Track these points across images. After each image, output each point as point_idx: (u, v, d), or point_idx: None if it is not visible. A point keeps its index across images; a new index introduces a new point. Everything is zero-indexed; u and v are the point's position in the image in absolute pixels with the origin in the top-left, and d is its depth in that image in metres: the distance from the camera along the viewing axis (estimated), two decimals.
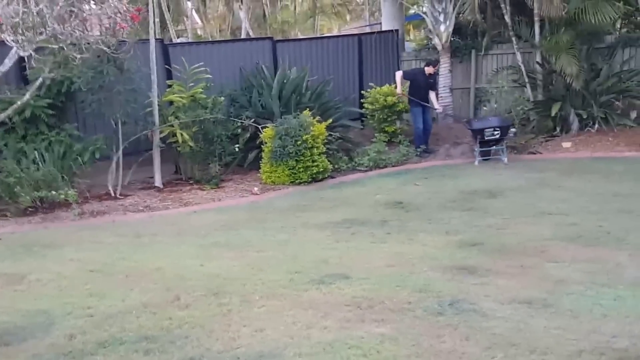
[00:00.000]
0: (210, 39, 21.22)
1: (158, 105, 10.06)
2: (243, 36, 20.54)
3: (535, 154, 11.36)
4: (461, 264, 5.71)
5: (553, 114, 11.95)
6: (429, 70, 11.97)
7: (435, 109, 12.18)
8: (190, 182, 10.38)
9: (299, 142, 9.72)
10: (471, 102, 14.27)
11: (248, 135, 10.71)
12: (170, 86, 10.63)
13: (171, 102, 10.37)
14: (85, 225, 8.03)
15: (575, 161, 10.59)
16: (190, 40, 20.81)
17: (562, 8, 11.52)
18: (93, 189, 9.59)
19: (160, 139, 10.16)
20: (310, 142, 9.84)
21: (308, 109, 10.39)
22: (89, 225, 8.03)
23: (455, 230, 6.93)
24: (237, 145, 10.50)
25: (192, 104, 10.24)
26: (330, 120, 10.53)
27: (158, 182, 10.09)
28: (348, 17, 25.74)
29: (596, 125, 12.07)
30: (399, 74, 11.96)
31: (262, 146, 10.41)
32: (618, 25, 13.43)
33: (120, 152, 9.71)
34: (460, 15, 12.89)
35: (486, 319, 4.46)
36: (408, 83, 11.85)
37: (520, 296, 4.86)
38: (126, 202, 9.16)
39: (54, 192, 8.49)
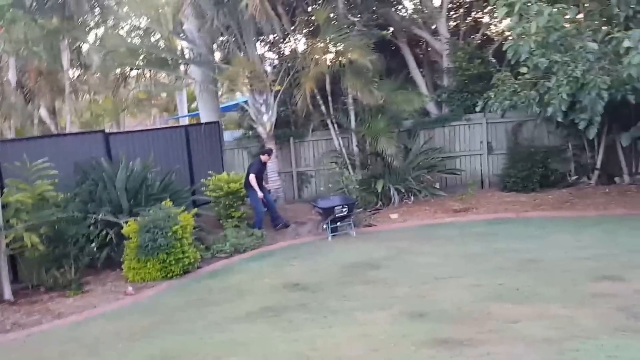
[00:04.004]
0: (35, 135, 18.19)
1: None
2: (37, 133, 18.14)
3: (371, 226, 11.65)
4: (436, 337, 5.39)
5: (379, 189, 12.52)
6: (264, 158, 11.93)
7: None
8: (42, 290, 8.56)
9: (169, 234, 8.73)
10: (294, 184, 14.43)
11: (104, 232, 9.27)
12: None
13: (4, 205, 8.57)
14: None
15: (412, 230, 10.87)
16: None
17: (380, 97, 12.38)
18: None
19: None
20: (180, 233, 8.90)
21: (169, 200, 9.45)
22: None
23: (383, 304, 6.61)
24: (94, 245, 9.02)
25: (38, 203, 8.62)
26: (195, 210, 9.68)
27: (8, 294, 8.14)
28: (153, 111, 24.61)
29: (412, 197, 12.88)
30: (253, 178, 11.41)
31: (112, 244, 9.19)
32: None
33: None
34: (296, 104, 12.98)
35: None
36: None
37: None
38: None
39: None
